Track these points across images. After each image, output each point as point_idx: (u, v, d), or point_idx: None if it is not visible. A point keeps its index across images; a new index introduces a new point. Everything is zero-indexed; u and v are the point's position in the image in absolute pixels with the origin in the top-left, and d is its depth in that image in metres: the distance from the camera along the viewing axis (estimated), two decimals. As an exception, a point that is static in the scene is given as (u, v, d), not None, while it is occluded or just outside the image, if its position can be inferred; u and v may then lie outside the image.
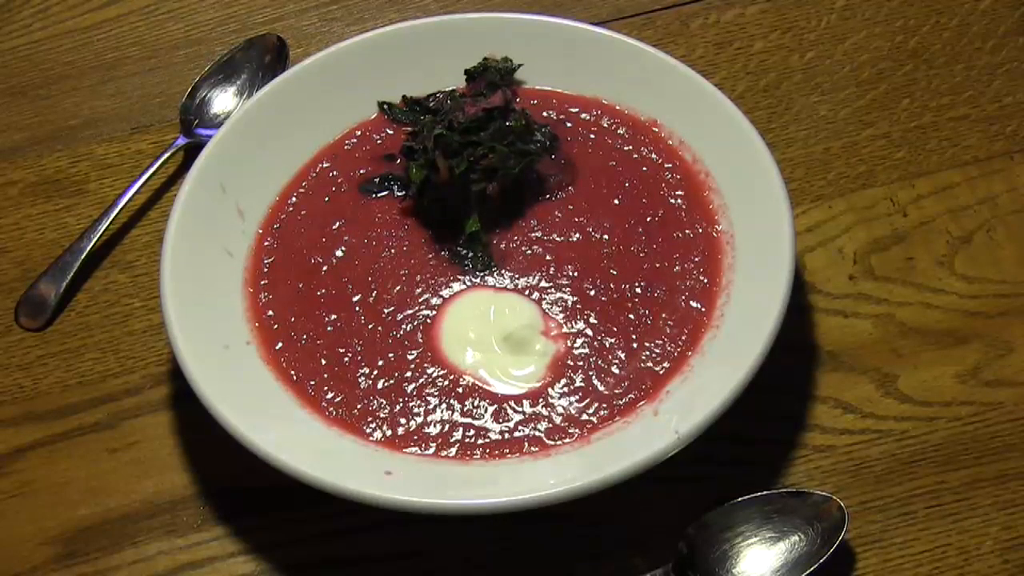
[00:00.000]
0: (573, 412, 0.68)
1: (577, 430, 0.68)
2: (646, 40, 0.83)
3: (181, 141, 0.84)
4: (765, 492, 0.66)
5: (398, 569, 0.68)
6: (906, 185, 0.80)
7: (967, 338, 0.74)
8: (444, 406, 0.69)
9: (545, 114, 0.81)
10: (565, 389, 0.69)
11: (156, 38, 0.93)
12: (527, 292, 0.74)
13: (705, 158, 0.77)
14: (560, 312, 0.72)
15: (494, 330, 0.72)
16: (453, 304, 0.73)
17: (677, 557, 0.64)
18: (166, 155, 0.83)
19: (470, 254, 0.75)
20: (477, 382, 0.70)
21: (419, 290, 0.74)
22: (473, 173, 0.75)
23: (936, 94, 0.85)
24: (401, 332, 0.72)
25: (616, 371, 0.70)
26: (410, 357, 0.71)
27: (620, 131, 0.80)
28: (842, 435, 0.70)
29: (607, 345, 0.71)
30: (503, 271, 0.75)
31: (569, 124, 0.80)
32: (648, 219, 0.76)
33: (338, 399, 0.70)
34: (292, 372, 0.71)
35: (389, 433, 0.68)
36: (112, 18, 0.95)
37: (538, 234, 0.76)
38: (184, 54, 0.92)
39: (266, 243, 0.76)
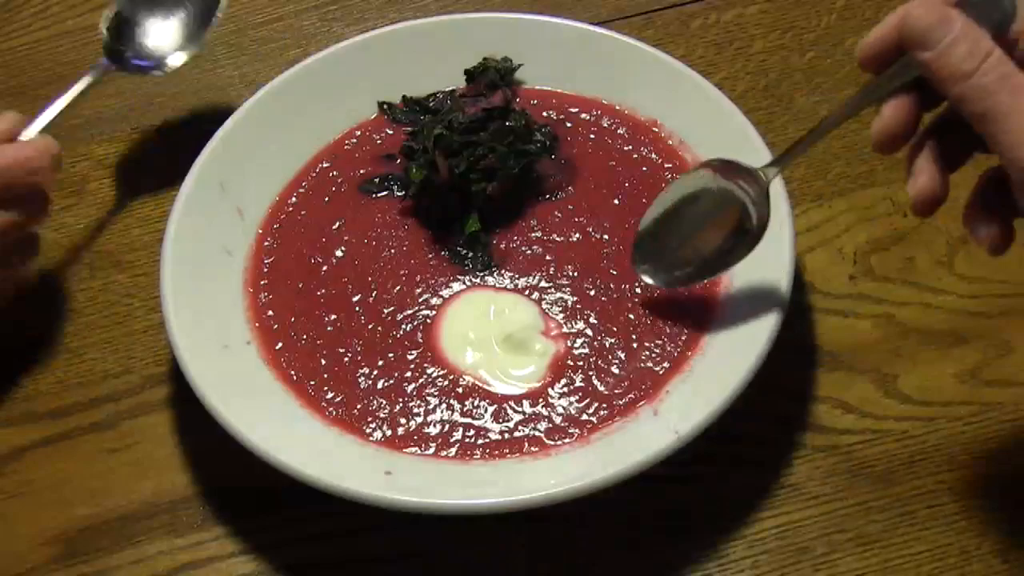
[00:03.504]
0: (573, 412, 0.68)
1: (577, 430, 0.68)
2: (646, 40, 0.83)
3: (106, 64, 0.81)
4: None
5: (398, 569, 0.68)
6: (906, 185, 0.80)
7: (967, 338, 0.74)
8: (444, 406, 0.69)
9: (545, 114, 0.81)
10: (565, 389, 0.69)
11: (156, 38, 0.93)
12: (527, 292, 0.74)
13: (705, 158, 0.77)
14: (560, 312, 0.72)
15: (494, 330, 0.72)
16: (453, 304, 0.73)
17: None
18: (89, 78, 0.80)
19: (470, 254, 0.75)
20: (477, 382, 0.70)
21: (419, 290, 0.74)
22: (473, 173, 0.75)
23: (936, 94, 0.84)
24: (401, 332, 0.72)
25: (616, 371, 0.70)
26: (410, 357, 0.71)
27: (620, 131, 0.80)
28: (842, 435, 0.70)
29: (607, 345, 0.71)
30: (503, 271, 0.75)
31: (569, 124, 0.80)
32: (648, 219, 0.76)
33: (338, 399, 0.70)
34: (292, 372, 0.71)
35: (389, 433, 0.68)
36: (112, 18, 0.95)
37: (538, 234, 0.76)
38: (184, 54, 0.92)
39: (266, 243, 0.76)
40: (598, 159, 0.79)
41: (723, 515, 0.68)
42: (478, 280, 0.74)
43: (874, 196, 0.80)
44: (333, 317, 0.73)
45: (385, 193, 0.79)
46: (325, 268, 0.75)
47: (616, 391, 0.69)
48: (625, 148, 0.79)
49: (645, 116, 0.80)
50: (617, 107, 0.81)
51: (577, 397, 0.69)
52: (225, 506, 0.70)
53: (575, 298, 0.73)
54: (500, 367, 0.70)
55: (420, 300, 0.74)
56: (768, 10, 0.91)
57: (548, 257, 0.75)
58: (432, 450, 0.67)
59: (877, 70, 0.59)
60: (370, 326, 0.72)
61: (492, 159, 0.75)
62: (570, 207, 0.77)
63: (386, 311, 0.73)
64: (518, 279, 0.74)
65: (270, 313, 0.73)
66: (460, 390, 0.70)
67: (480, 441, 0.68)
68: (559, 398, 0.69)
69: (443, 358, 0.71)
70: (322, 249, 0.76)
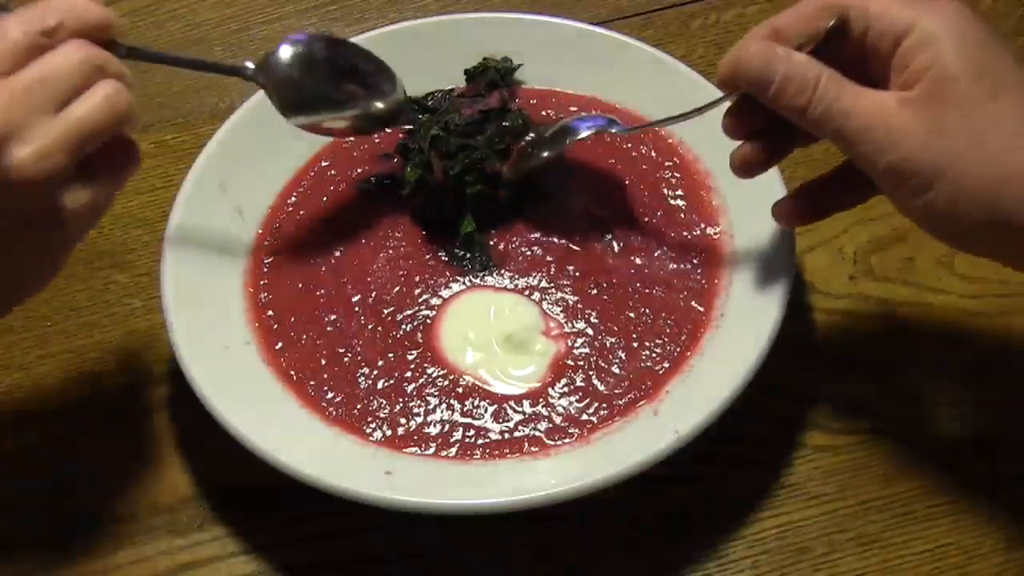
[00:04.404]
0: (573, 412, 0.68)
1: (577, 430, 0.68)
2: (646, 40, 0.83)
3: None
4: None
5: (398, 569, 0.68)
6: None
7: (967, 338, 0.74)
8: (444, 406, 0.69)
9: (544, 113, 0.81)
10: (565, 389, 0.69)
11: (156, 38, 0.93)
12: (527, 292, 0.73)
13: (705, 158, 0.77)
14: (560, 312, 0.72)
15: (494, 330, 0.72)
16: (453, 304, 0.73)
17: None
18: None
19: (467, 255, 0.75)
20: (477, 382, 0.70)
21: (419, 290, 0.74)
22: (469, 175, 0.75)
23: (936, 94, 0.84)
24: (401, 332, 0.72)
25: (616, 371, 0.70)
26: (410, 357, 0.71)
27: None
28: (842, 435, 0.70)
29: (607, 345, 0.71)
30: (502, 271, 0.75)
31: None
32: (648, 219, 0.76)
33: (338, 399, 0.70)
34: (292, 372, 0.71)
35: (389, 433, 0.68)
36: (112, 18, 0.95)
37: (537, 234, 0.76)
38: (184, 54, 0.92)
39: (266, 243, 0.76)
40: (597, 157, 0.79)
41: (723, 515, 0.68)
42: (478, 280, 0.74)
43: (874, 196, 0.80)
44: (333, 317, 0.73)
45: (385, 193, 0.78)
46: (325, 268, 0.75)
47: (616, 391, 0.69)
48: (625, 146, 0.79)
49: (645, 115, 0.80)
50: (616, 106, 0.81)
51: (577, 397, 0.69)
52: (225, 506, 0.70)
53: (575, 298, 0.73)
54: (500, 367, 0.70)
55: (420, 300, 0.74)
56: (768, 10, 0.91)
57: (548, 257, 0.75)
58: (432, 450, 0.67)
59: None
60: (370, 326, 0.72)
61: (488, 163, 0.75)
62: (569, 206, 0.77)
63: (386, 311, 0.73)
64: (518, 279, 0.74)
65: (270, 313, 0.73)
66: (460, 390, 0.70)
67: (480, 441, 0.68)
68: (559, 398, 0.69)
69: (443, 358, 0.71)
70: (322, 249, 0.76)
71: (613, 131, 0.73)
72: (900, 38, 0.58)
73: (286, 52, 0.71)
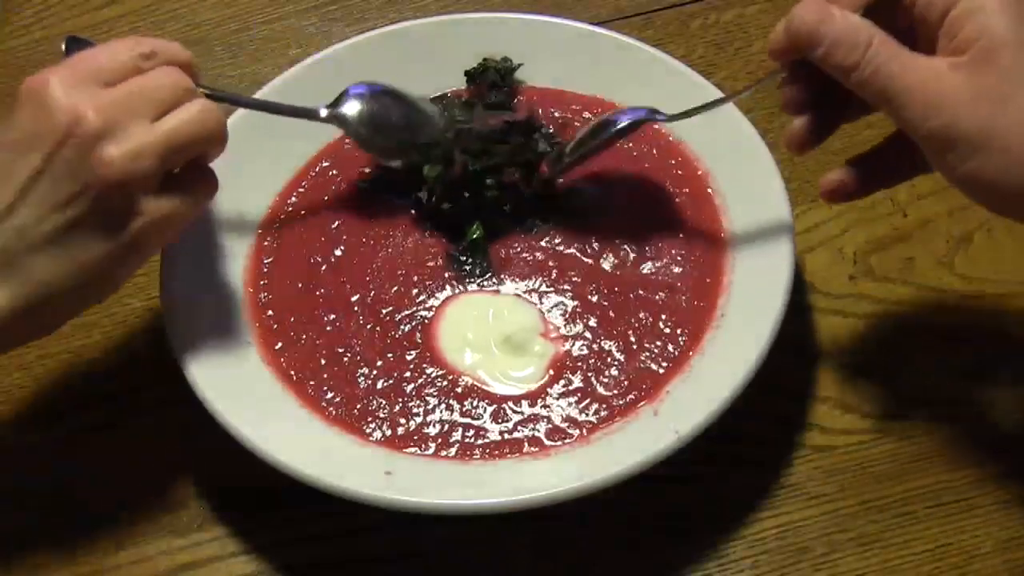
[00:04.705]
0: (573, 412, 0.68)
1: (577, 430, 0.68)
2: (646, 40, 0.83)
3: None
4: None
5: (398, 569, 0.68)
6: (906, 185, 0.80)
7: (967, 337, 0.74)
8: (444, 406, 0.69)
9: (543, 111, 0.81)
10: (564, 390, 0.69)
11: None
12: (527, 293, 0.73)
13: (705, 158, 0.77)
14: (559, 313, 0.72)
15: (493, 332, 0.72)
16: (452, 305, 0.73)
17: None
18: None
19: (469, 259, 0.75)
20: (476, 383, 0.70)
21: (418, 291, 0.74)
22: (489, 177, 0.75)
23: (936, 94, 0.84)
24: (400, 332, 0.72)
25: (616, 371, 0.70)
26: (409, 357, 0.71)
27: (620, 130, 0.80)
28: (842, 435, 0.70)
29: (607, 345, 0.71)
30: (502, 273, 0.74)
31: (565, 121, 0.80)
32: (648, 219, 0.76)
33: (338, 399, 0.70)
34: (292, 372, 0.71)
35: (389, 433, 0.68)
36: (112, 18, 0.95)
37: (537, 236, 0.76)
38: (184, 54, 0.92)
39: (266, 243, 0.76)
40: (598, 158, 0.78)
41: (723, 515, 0.68)
42: (477, 282, 0.74)
43: (874, 196, 0.79)
44: (333, 317, 0.73)
45: (385, 193, 0.78)
46: (325, 268, 0.75)
47: (616, 391, 0.69)
48: (626, 146, 0.79)
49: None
50: (617, 106, 0.81)
51: (577, 397, 0.69)
52: (225, 506, 0.70)
53: (575, 299, 0.73)
54: (499, 368, 0.70)
55: (418, 301, 0.74)
56: (768, 10, 0.91)
57: (548, 261, 0.75)
58: (432, 450, 0.67)
59: (785, 61, 0.64)
60: (369, 326, 0.72)
61: (508, 173, 0.75)
62: (570, 208, 0.77)
63: (385, 311, 0.73)
64: (518, 281, 0.74)
65: (270, 313, 0.73)
66: (459, 390, 0.69)
67: (480, 441, 0.67)
68: (559, 399, 0.69)
69: (442, 358, 0.71)
70: (322, 249, 0.76)
71: (659, 119, 0.72)
72: (948, 7, 0.58)
73: (353, 108, 0.75)
